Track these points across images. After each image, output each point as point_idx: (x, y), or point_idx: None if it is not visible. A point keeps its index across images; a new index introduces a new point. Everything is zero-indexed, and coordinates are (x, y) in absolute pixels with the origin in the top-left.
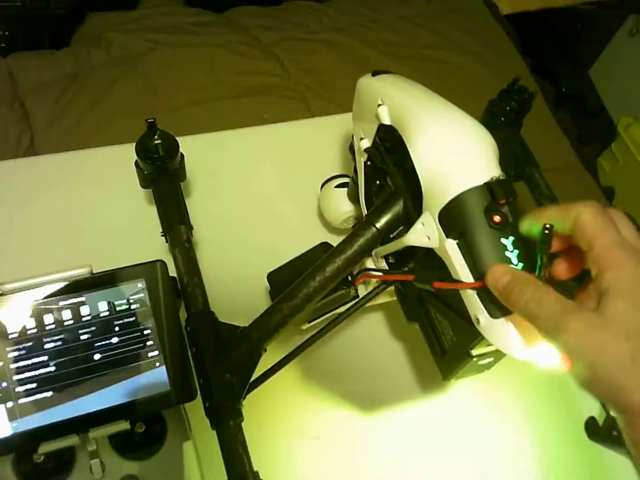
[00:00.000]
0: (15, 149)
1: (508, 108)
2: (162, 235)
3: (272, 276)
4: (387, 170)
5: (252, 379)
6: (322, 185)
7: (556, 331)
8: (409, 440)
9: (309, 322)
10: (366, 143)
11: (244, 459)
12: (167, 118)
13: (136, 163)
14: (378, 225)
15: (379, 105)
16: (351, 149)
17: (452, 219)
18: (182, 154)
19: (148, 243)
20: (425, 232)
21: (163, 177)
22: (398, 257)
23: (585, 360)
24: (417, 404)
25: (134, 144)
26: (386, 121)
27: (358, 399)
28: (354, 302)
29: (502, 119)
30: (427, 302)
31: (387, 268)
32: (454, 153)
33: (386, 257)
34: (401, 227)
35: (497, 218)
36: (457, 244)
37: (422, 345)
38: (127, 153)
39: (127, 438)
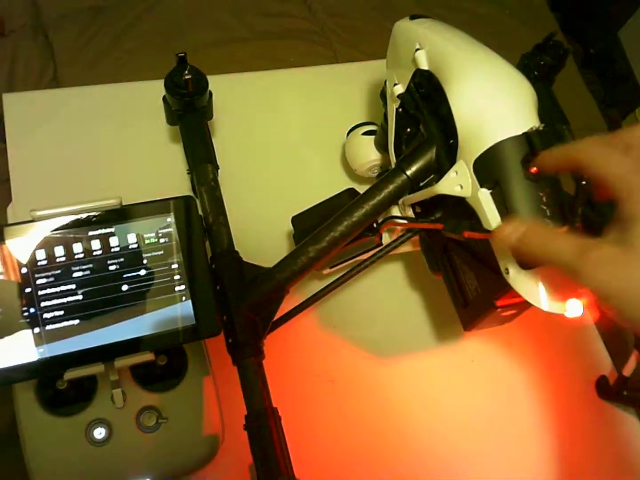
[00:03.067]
0: (38, 81)
1: (542, 63)
2: (187, 174)
3: (296, 220)
4: (421, 117)
5: (274, 319)
6: (349, 132)
7: (581, 270)
8: (421, 388)
9: (331, 267)
10: (400, 89)
11: (264, 395)
12: (190, 57)
13: (164, 98)
14: (409, 172)
15: (417, 49)
16: (382, 95)
17: (488, 168)
18: (210, 92)
19: (172, 182)
20: (458, 181)
21: (190, 114)
22: (425, 207)
23: (615, 296)
24: (431, 353)
25: (158, 81)
26: (424, 66)
27: (374, 345)
28: (377, 249)
29: (536, 73)
30: (453, 253)
31: (413, 217)
32: (495, 100)
33: (412, 206)
34: (432, 176)
35: (534, 169)
36: (491, 193)
37: (440, 296)
38: (151, 89)
39: (148, 370)
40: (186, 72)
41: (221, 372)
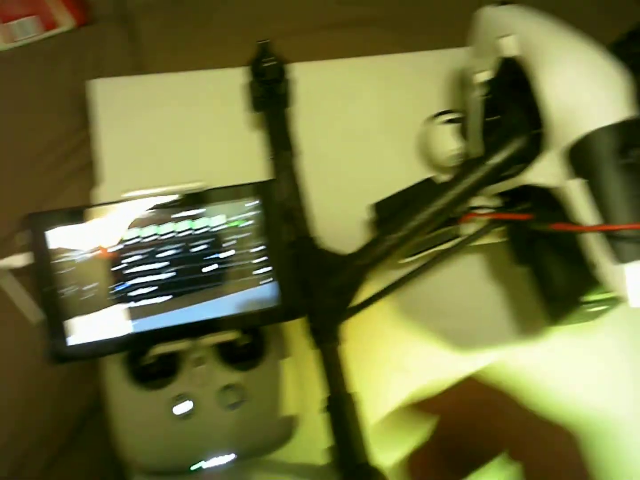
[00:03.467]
0: (123, 67)
1: (634, 52)
2: (269, 160)
3: (376, 207)
4: (506, 105)
5: (352, 305)
6: (428, 121)
7: None
8: None
9: (409, 257)
10: (484, 76)
11: (342, 379)
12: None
13: (247, 85)
14: (493, 161)
15: (504, 36)
16: (464, 83)
17: (580, 157)
18: (291, 79)
19: (252, 167)
20: (546, 171)
21: (273, 100)
22: (509, 198)
23: None
24: (509, 347)
25: (240, 68)
26: (512, 52)
27: (450, 337)
28: (457, 240)
29: (626, 62)
30: (538, 245)
31: (496, 208)
32: (589, 87)
33: (497, 197)
34: (517, 165)
35: (630, 160)
36: (583, 184)
37: (520, 291)
38: (233, 76)
39: (231, 349)
40: (268, 59)
41: (298, 356)
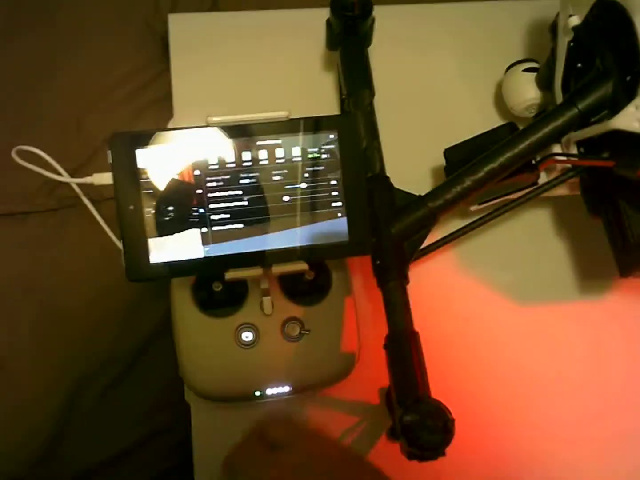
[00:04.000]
0: (198, 5)
1: None
2: (342, 99)
3: (449, 152)
4: (597, 50)
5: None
6: (508, 69)
7: None
8: (555, 336)
9: (479, 204)
10: (575, 20)
11: (407, 316)
12: None
13: (327, 21)
14: (581, 105)
15: None
16: (552, 28)
17: None
18: (373, 17)
19: (323, 107)
20: (638, 116)
21: (352, 38)
22: (589, 146)
23: None
24: (570, 303)
25: (314, 9)
26: None
27: (511, 289)
28: (531, 188)
29: None
30: (618, 195)
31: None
32: None
33: (577, 145)
34: (605, 112)
35: None
36: None
37: (586, 247)
38: (307, 16)
39: (295, 284)
40: None
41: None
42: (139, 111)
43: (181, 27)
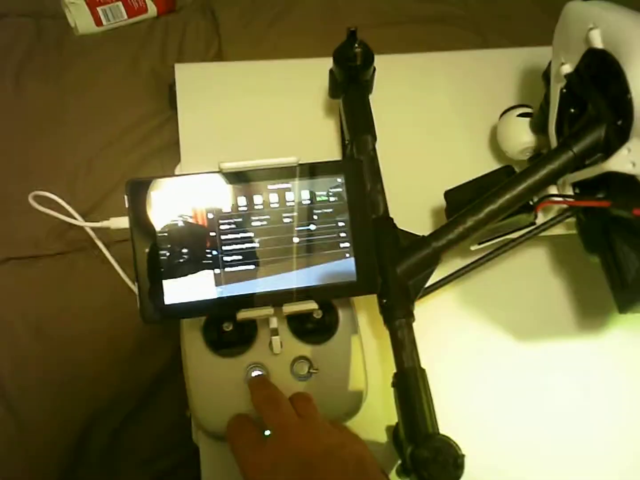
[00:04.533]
0: (204, 55)
1: None
2: (346, 144)
3: (449, 194)
4: (589, 96)
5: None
6: (503, 114)
7: None
8: (559, 374)
9: (479, 243)
10: (567, 69)
11: (414, 354)
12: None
13: (330, 71)
14: (575, 149)
15: (590, 29)
16: (545, 75)
17: None
18: (374, 67)
19: (325, 154)
20: (630, 158)
21: (354, 86)
22: (585, 187)
23: None
24: (572, 340)
25: (316, 59)
26: (598, 45)
27: (513, 326)
28: (529, 228)
29: None
30: (613, 233)
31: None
32: None
33: (572, 187)
34: (599, 155)
35: None
36: None
37: (584, 284)
38: (309, 67)
39: (303, 323)
40: (356, 44)
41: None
42: (147, 157)
43: (187, 76)
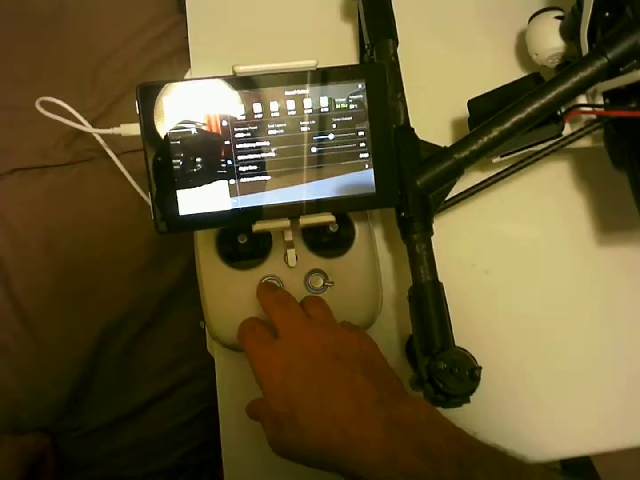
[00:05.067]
0: None
1: None
2: (365, 49)
3: (473, 103)
4: None
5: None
6: (533, 16)
7: None
8: (574, 290)
9: (502, 156)
10: None
11: (431, 268)
12: None
13: None
14: (610, 55)
15: None
16: None
17: None
18: None
19: (343, 58)
20: None
21: None
22: (615, 97)
23: None
24: (589, 256)
25: None
26: None
27: (531, 242)
28: (555, 140)
29: None
30: None
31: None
32: None
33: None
34: (634, 61)
35: None
36: None
37: (607, 201)
38: None
39: (319, 236)
40: None
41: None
42: (155, 63)
43: None
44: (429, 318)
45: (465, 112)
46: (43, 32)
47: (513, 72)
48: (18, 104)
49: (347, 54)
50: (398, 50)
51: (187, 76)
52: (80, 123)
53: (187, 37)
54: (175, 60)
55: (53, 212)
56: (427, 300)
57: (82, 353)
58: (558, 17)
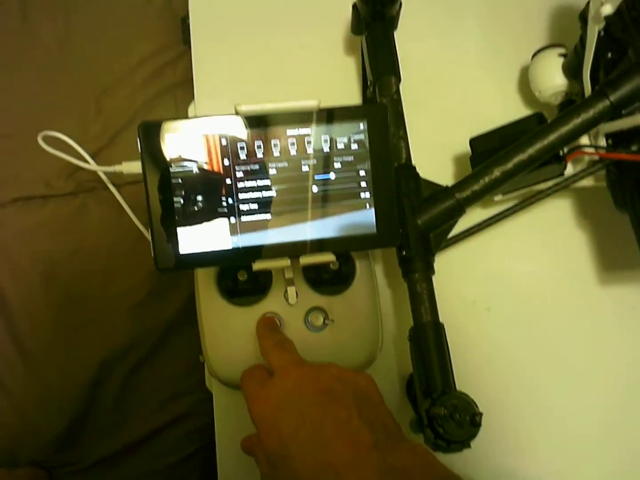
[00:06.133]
0: None
1: None
2: (368, 85)
3: (475, 142)
4: (630, 41)
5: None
6: (536, 53)
7: None
8: (577, 327)
9: (504, 194)
10: (607, 9)
11: (432, 308)
12: None
13: (354, 6)
14: (612, 97)
15: None
16: (582, 16)
17: None
18: (400, 1)
19: (345, 93)
20: None
21: (378, 22)
22: (618, 138)
23: None
24: (591, 294)
25: None
26: None
27: (533, 279)
28: (558, 180)
29: None
30: None
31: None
32: None
33: (605, 138)
34: (637, 104)
35: None
36: None
37: (609, 239)
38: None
39: (319, 274)
40: None
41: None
42: (159, 94)
43: (202, 8)
44: (429, 360)
45: (467, 149)
46: (49, 61)
47: (516, 109)
48: (22, 133)
49: (349, 89)
50: (400, 86)
51: (190, 108)
52: (83, 159)
53: (191, 69)
54: (179, 91)
55: (54, 243)
56: (428, 342)
57: (80, 387)
58: (561, 55)
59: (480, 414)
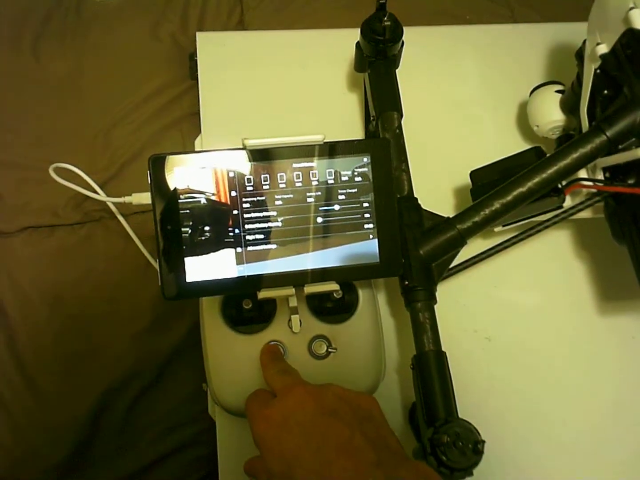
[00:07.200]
0: (225, 23)
1: None
2: (371, 120)
3: (475, 174)
4: (625, 79)
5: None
6: (534, 90)
7: None
8: (576, 358)
9: (504, 225)
10: (603, 49)
11: (434, 337)
12: (372, 10)
13: (357, 44)
14: (609, 133)
15: (631, 8)
16: (578, 55)
17: None
18: (403, 41)
19: (347, 128)
20: None
21: (380, 61)
22: (615, 172)
23: None
24: (590, 324)
25: (341, 30)
26: (638, 26)
27: (533, 310)
28: (557, 212)
29: None
30: None
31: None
32: None
33: (602, 171)
34: (632, 139)
35: None
36: None
37: (607, 270)
38: (333, 37)
39: (323, 302)
40: (385, 18)
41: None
42: (166, 127)
43: (209, 45)
44: (432, 389)
45: (467, 181)
46: (60, 94)
47: (515, 143)
48: (31, 163)
49: (352, 123)
50: (402, 121)
51: (197, 141)
52: (94, 190)
53: (196, 103)
54: (185, 124)
55: (60, 271)
56: (430, 371)
57: (83, 413)
58: (558, 91)
59: (483, 442)
